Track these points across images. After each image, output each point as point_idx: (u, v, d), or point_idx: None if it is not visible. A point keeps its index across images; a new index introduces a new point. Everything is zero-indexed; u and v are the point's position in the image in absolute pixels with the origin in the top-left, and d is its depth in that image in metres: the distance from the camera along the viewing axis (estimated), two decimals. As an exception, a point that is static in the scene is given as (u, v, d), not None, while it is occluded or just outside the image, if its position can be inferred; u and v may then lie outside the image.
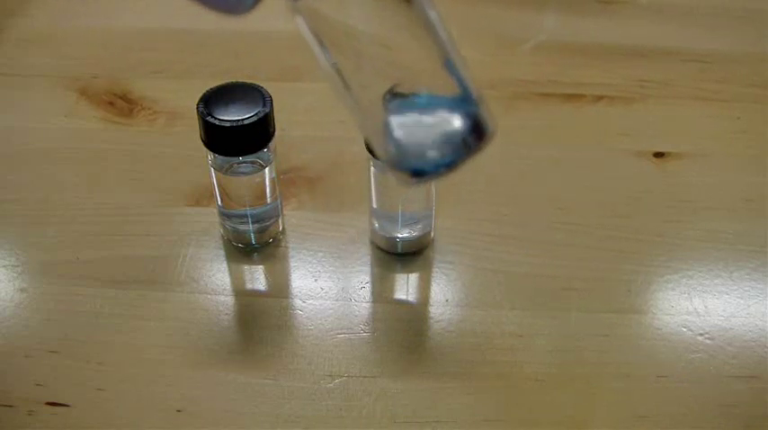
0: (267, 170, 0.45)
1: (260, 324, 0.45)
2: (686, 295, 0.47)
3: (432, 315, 0.46)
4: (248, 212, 0.47)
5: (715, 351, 0.44)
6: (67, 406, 0.41)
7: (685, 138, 0.57)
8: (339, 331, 0.44)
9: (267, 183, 0.46)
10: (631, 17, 0.69)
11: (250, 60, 0.62)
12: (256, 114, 0.41)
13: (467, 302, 0.46)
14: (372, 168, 0.44)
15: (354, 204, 0.51)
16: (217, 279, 0.47)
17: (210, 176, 0.45)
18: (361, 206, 0.49)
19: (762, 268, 0.48)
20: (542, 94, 0.61)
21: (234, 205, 0.47)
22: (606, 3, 0.70)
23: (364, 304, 0.46)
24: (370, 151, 0.42)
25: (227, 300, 0.46)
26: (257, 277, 0.48)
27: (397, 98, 0.27)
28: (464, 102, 0.27)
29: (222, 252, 0.49)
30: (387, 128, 0.27)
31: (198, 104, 0.42)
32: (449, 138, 0.27)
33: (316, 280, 0.47)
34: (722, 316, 0.46)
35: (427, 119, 0.27)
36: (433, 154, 0.27)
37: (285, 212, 0.50)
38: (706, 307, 0.46)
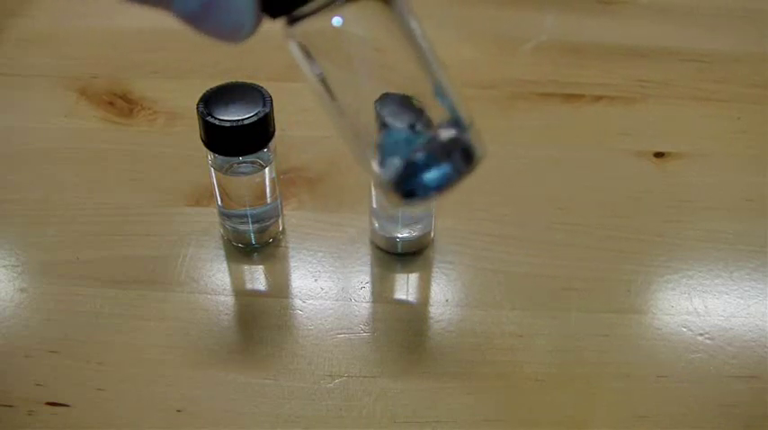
0: (267, 170, 0.45)
1: (260, 324, 0.45)
2: (686, 295, 0.47)
3: (432, 315, 0.46)
4: (248, 212, 0.47)
5: (715, 351, 0.44)
6: (67, 406, 0.41)
7: (685, 138, 0.57)
8: (339, 331, 0.44)
9: (267, 183, 0.46)
10: (631, 17, 0.69)
11: (250, 60, 0.62)
12: (256, 114, 0.41)
13: (467, 302, 0.46)
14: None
15: (354, 204, 0.51)
16: (217, 279, 0.47)
17: (210, 176, 0.45)
18: (361, 206, 0.49)
19: (762, 268, 0.48)
20: (542, 94, 0.61)
21: (234, 205, 0.47)
22: (606, 3, 0.70)
23: (364, 304, 0.46)
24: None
25: (227, 300, 0.46)
26: (257, 277, 0.48)
27: (388, 120, 0.28)
28: (454, 126, 0.28)
29: (222, 252, 0.49)
30: (378, 150, 0.28)
31: (198, 104, 0.42)
32: (439, 162, 0.27)
33: (316, 280, 0.47)
34: (722, 316, 0.46)
35: (417, 142, 0.28)
36: (423, 177, 0.27)
37: (285, 212, 0.50)
38: (706, 307, 0.46)
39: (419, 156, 0.27)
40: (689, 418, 0.41)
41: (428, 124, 0.28)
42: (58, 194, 0.52)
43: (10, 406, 0.41)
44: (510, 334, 0.44)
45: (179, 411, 0.41)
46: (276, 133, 0.44)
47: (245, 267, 0.48)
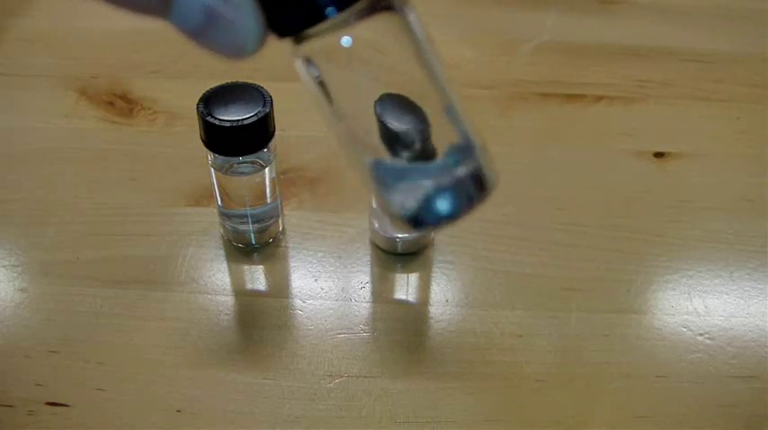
0: (267, 170, 0.45)
1: (260, 324, 0.45)
2: (686, 295, 0.47)
3: (432, 315, 0.46)
4: (248, 212, 0.47)
5: (715, 351, 0.44)
6: (67, 406, 0.41)
7: (685, 138, 0.57)
8: (339, 331, 0.44)
9: (267, 183, 0.46)
10: (631, 17, 0.69)
11: (250, 60, 0.62)
12: (256, 114, 0.41)
13: (467, 302, 0.46)
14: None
15: (354, 204, 0.51)
16: (217, 279, 0.47)
17: (210, 176, 0.45)
18: (361, 206, 0.49)
19: (762, 268, 0.48)
20: (542, 94, 0.61)
21: (234, 205, 0.47)
22: (606, 3, 0.70)
23: (364, 304, 0.46)
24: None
25: (227, 300, 0.46)
26: (257, 277, 0.48)
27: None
28: (466, 151, 0.26)
29: (222, 252, 0.49)
30: (386, 177, 0.26)
31: (198, 104, 0.42)
32: (450, 190, 0.26)
33: (316, 280, 0.47)
34: (722, 316, 0.46)
35: (428, 169, 0.26)
36: (433, 205, 0.26)
37: (285, 212, 0.50)
38: (706, 307, 0.46)
39: (429, 183, 0.26)
40: (689, 418, 0.41)
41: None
42: (58, 194, 0.52)
43: (10, 406, 0.41)
44: (510, 334, 0.44)
45: (179, 411, 0.41)
46: (276, 133, 0.44)
47: (245, 267, 0.48)
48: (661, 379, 0.43)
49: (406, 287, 0.48)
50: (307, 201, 0.52)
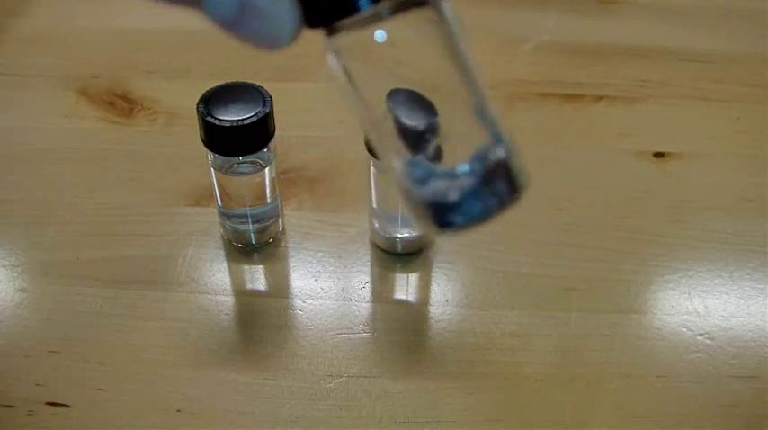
0: (267, 170, 0.45)
1: (260, 324, 0.45)
2: (686, 295, 0.47)
3: (432, 315, 0.46)
4: (248, 212, 0.47)
5: (715, 351, 0.44)
6: (67, 406, 0.41)
7: (685, 138, 0.57)
8: (339, 331, 0.44)
9: (267, 183, 0.46)
10: (631, 17, 0.69)
11: (250, 60, 0.62)
12: (256, 114, 0.41)
13: (467, 302, 0.46)
14: (372, 168, 0.44)
15: (354, 204, 0.51)
16: (217, 279, 0.47)
17: (210, 176, 0.45)
18: (361, 206, 0.49)
19: (762, 268, 0.48)
20: (542, 94, 0.61)
21: (234, 205, 0.47)
22: (606, 3, 0.70)
23: (364, 304, 0.46)
24: (371, 151, 0.42)
25: (227, 300, 0.46)
26: (257, 277, 0.48)
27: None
28: (497, 152, 0.25)
29: (222, 252, 0.49)
30: (417, 179, 0.25)
31: (198, 104, 0.42)
32: (481, 192, 0.25)
33: (316, 280, 0.47)
34: (722, 316, 0.46)
35: (459, 170, 0.25)
36: (464, 207, 0.25)
37: (285, 212, 0.50)
38: (706, 307, 0.46)
39: (460, 185, 0.25)
40: (689, 418, 0.41)
41: (468, 153, 0.25)
42: (58, 194, 0.52)
43: (10, 406, 0.41)
44: (510, 334, 0.44)
45: (179, 411, 0.41)
46: (276, 133, 0.44)
47: (245, 267, 0.48)
48: (661, 379, 0.43)
49: (406, 287, 0.48)
50: (307, 201, 0.52)
